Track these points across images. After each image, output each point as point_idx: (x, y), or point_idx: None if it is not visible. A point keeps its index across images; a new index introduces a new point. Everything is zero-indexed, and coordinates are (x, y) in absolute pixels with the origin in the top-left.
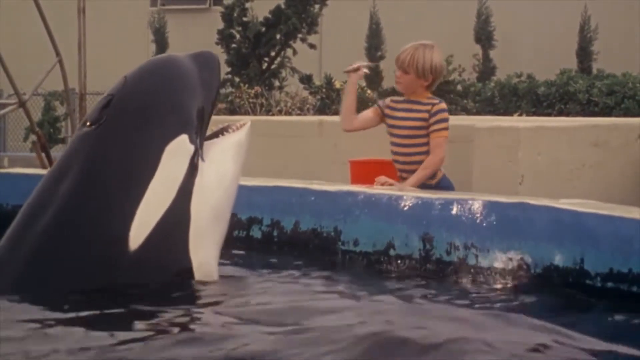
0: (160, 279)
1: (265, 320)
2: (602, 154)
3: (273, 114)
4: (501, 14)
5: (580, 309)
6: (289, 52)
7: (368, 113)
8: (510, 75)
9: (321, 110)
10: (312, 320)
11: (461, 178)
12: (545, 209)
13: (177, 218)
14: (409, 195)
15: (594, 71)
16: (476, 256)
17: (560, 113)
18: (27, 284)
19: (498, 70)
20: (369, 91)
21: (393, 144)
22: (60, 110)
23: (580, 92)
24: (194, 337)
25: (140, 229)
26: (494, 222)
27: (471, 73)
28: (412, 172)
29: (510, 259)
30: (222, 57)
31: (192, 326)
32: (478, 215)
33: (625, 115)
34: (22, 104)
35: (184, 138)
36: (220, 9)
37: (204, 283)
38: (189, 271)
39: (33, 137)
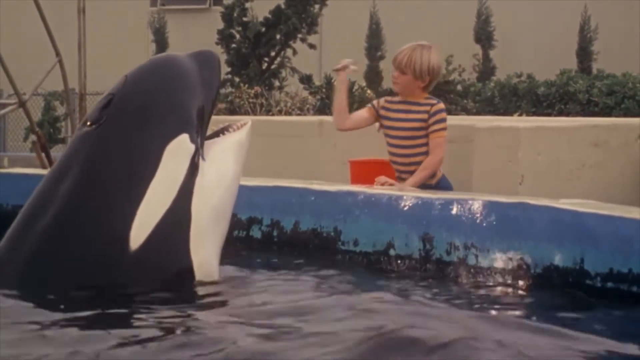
0: (160, 279)
1: (265, 320)
2: (602, 154)
3: (273, 114)
4: (501, 14)
5: (580, 309)
6: (289, 52)
7: (362, 113)
8: (510, 75)
9: (321, 110)
10: (312, 321)
11: (461, 178)
12: (545, 209)
13: (177, 218)
14: (409, 195)
15: (594, 71)
16: (476, 256)
17: (560, 113)
18: (27, 284)
19: (498, 70)
20: (369, 91)
21: (391, 145)
22: (60, 110)
23: (580, 92)
24: (194, 337)
25: (140, 228)
26: (494, 222)
27: (471, 73)
28: (411, 172)
29: (510, 259)
30: (222, 57)
31: (192, 326)
32: (478, 215)
33: (625, 115)
34: (22, 104)
35: (184, 137)
36: (220, 9)
37: (204, 283)
38: (189, 271)
39: (33, 137)
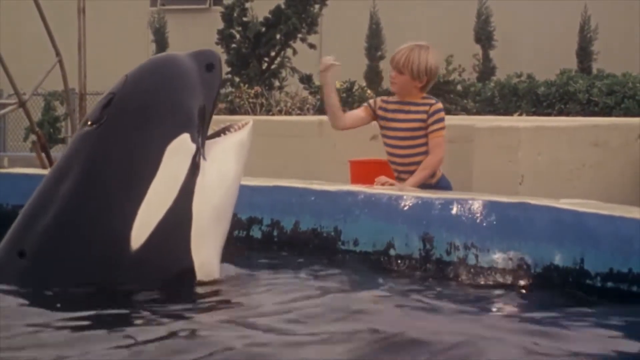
0: (161, 279)
1: (266, 320)
2: (602, 154)
3: (273, 114)
4: (501, 14)
5: (580, 309)
6: (289, 52)
7: (359, 112)
8: (510, 75)
9: (321, 110)
10: (312, 320)
11: (461, 178)
12: (545, 209)
13: (178, 218)
14: (409, 195)
15: (594, 71)
16: (476, 256)
17: (560, 113)
18: (28, 284)
19: (498, 70)
20: (369, 91)
21: (389, 145)
22: (60, 110)
23: (580, 92)
24: (194, 337)
25: (141, 228)
26: (494, 222)
27: (471, 73)
28: (411, 172)
29: (511, 259)
30: (222, 57)
31: (193, 326)
32: (478, 215)
33: (625, 115)
34: (22, 104)
35: (185, 137)
36: (220, 9)
37: (205, 283)
38: (190, 271)
39: (33, 137)
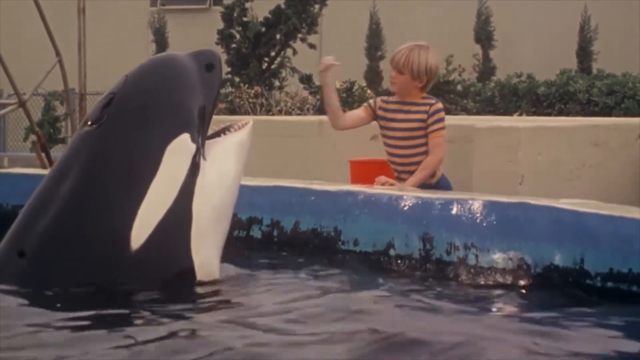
0: (161, 279)
1: (266, 320)
2: (602, 154)
3: (273, 114)
4: (501, 14)
5: (580, 309)
6: (289, 52)
7: (359, 112)
8: (510, 75)
9: (321, 110)
10: (312, 321)
11: (461, 178)
12: (545, 209)
13: (178, 217)
14: (409, 195)
15: (594, 71)
16: (476, 256)
17: (560, 113)
18: (28, 284)
19: (498, 70)
20: (369, 91)
21: (389, 145)
22: (60, 110)
23: (580, 92)
24: (194, 337)
25: (141, 228)
26: (494, 222)
27: (471, 73)
28: (411, 172)
29: (511, 259)
30: (222, 57)
31: (193, 326)
32: (478, 215)
33: (625, 115)
34: (22, 104)
35: (185, 137)
36: (220, 9)
37: (205, 283)
38: (190, 271)
39: (33, 137)
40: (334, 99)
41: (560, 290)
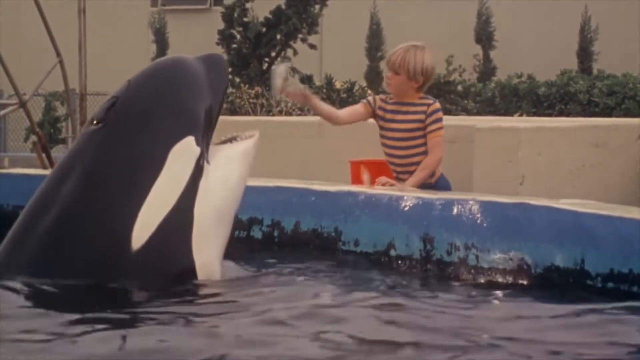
0: (163, 280)
1: (266, 320)
2: (603, 154)
3: (273, 114)
4: (501, 15)
5: (580, 309)
6: (290, 52)
7: (358, 108)
8: (510, 76)
9: None
10: (313, 321)
11: (461, 178)
12: (545, 209)
13: (180, 219)
14: (409, 196)
15: (595, 72)
16: (477, 256)
17: (561, 113)
18: (30, 284)
19: (498, 71)
20: (369, 91)
21: (387, 146)
22: (61, 110)
23: (581, 92)
24: (195, 337)
25: (143, 229)
26: (495, 223)
27: (471, 73)
28: (410, 173)
29: (511, 259)
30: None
31: (193, 326)
32: (478, 215)
33: (626, 115)
34: (22, 105)
35: (189, 140)
36: (220, 9)
37: (206, 284)
38: (191, 272)
39: (33, 138)
40: (322, 107)
41: (560, 290)
